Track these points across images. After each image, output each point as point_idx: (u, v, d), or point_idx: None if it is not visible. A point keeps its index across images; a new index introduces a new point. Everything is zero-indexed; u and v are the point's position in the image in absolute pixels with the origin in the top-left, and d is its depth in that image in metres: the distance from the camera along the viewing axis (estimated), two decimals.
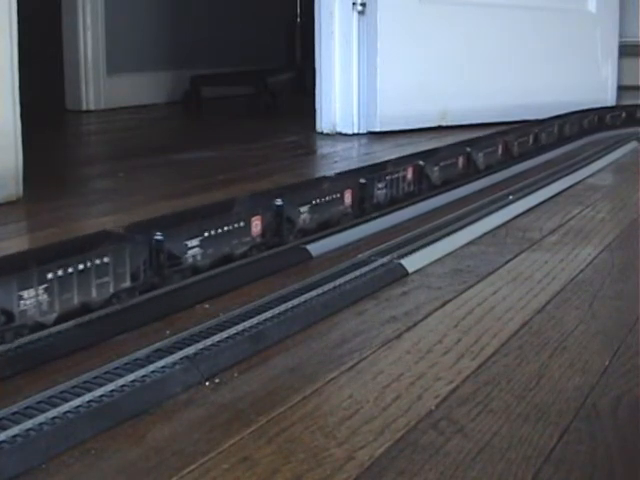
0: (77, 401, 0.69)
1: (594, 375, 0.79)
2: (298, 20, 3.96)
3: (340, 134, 2.53)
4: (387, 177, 1.43)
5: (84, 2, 3.25)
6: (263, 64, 3.70)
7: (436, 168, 1.59)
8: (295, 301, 0.95)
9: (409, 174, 1.50)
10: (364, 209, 1.37)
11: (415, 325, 0.93)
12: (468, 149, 1.74)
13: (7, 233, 1.36)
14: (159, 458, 0.63)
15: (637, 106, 2.67)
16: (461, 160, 1.70)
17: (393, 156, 1.63)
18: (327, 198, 1.27)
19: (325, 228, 1.27)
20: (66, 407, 0.68)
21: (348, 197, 1.32)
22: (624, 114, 2.62)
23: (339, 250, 1.24)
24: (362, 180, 1.36)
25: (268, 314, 0.91)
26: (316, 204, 1.24)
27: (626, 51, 3.29)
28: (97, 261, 0.87)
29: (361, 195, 1.36)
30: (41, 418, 0.66)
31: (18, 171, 1.56)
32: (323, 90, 2.55)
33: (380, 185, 1.40)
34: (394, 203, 1.45)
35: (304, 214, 1.21)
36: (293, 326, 0.90)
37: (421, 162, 1.54)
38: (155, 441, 0.66)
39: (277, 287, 1.01)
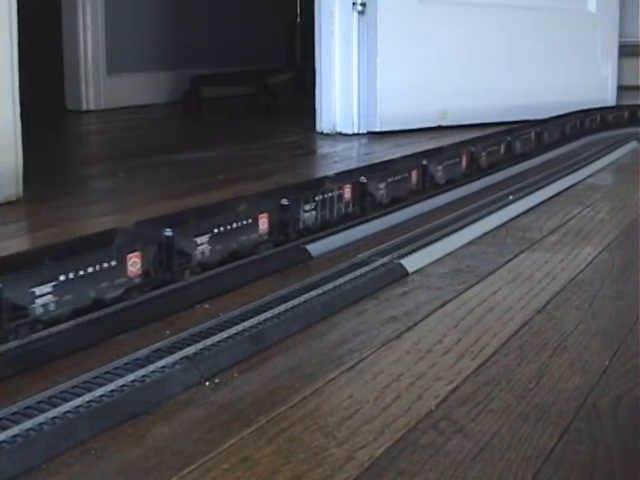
0: (77, 401, 0.69)
1: (594, 375, 0.79)
2: (298, 20, 3.96)
3: (340, 134, 2.53)
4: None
5: (84, 2, 3.25)
6: (263, 64, 3.70)
7: (440, 167, 1.62)
8: (295, 301, 0.95)
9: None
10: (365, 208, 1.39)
11: (415, 325, 0.93)
12: (472, 148, 1.74)
13: (7, 233, 1.36)
14: (159, 458, 0.63)
15: (637, 106, 2.67)
16: (464, 159, 1.70)
17: (400, 154, 1.63)
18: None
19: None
20: (66, 407, 0.68)
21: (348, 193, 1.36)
22: (624, 114, 2.62)
23: (339, 250, 1.24)
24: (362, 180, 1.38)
25: (268, 314, 0.91)
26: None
27: (626, 51, 3.29)
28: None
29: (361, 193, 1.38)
30: (41, 418, 0.66)
31: (18, 171, 1.56)
32: (323, 90, 2.55)
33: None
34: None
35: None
36: (293, 326, 0.90)
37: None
38: (155, 441, 0.66)
39: (277, 287, 1.01)
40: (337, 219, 1.30)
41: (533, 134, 2.07)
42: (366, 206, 1.37)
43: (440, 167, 1.60)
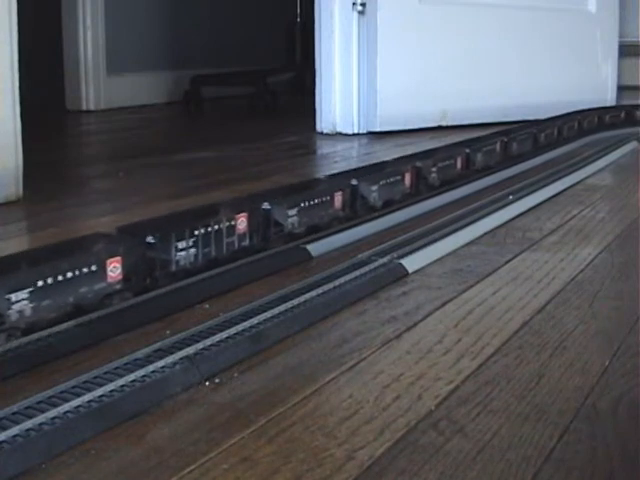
0: (77, 401, 0.69)
1: (594, 375, 0.79)
2: (298, 20, 3.96)
3: (340, 134, 2.54)
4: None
5: (84, 2, 3.25)
6: (263, 64, 3.70)
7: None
8: (295, 301, 0.95)
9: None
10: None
11: (415, 325, 0.93)
12: (467, 150, 1.74)
13: (7, 233, 1.36)
14: (159, 458, 0.63)
15: (637, 106, 2.67)
16: (459, 160, 1.71)
17: (400, 154, 1.63)
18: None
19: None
20: (66, 407, 0.68)
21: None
22: (624, 114, 2.62)
23: (339, 250, 1.24)
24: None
25: (268, 314, 0.91)
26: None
27: (626, 51, 3.29)
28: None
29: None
30: (41, 418, 0.66)
31: (18, 171, 1.56)
32: (323, 90, 2.55)
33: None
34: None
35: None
36: (293, 326, 0.90)
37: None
38: (155, 441, 0.66)
39: (277, 287, 1.01)
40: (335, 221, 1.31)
41: (533, 134, 2.07)
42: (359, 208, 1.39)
43: (435, 169, 1.60)
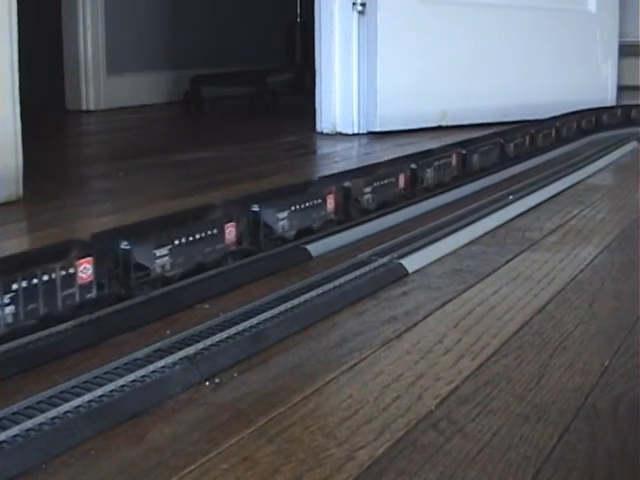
0: (77, 401, 0.69)
1: (594, 375, 0.79)
2: (298, 20, 3.96)
3: (340, 134, 2.53)
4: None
5: (84, 2, 3.25)
6: (263, 64, 3.70)
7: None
8: (295, 301, 0.95)
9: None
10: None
11: (415, 325, 0.93)
12: (464, 151, 1.74)
13: (7, 233, 1.36)
14: (159, 458, 0.64)
15: (637, 106, 2.67)
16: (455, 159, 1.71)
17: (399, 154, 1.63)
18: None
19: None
20: (66, 407, 0.68)
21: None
22: (624, 114, 2.62)
23: (339, 250, 1.24)
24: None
25: (268, 314, 0.91)
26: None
27: (626, 51, 3.29)
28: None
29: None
30: (41, 418, 0.66)
31: (18, 171, 1.56)
32: (323, 90, 2.55)
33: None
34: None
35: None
36: (293, 326, 0.90)
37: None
38: (155, 441, 0.66)
39: (277, 287, 1.01)
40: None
41: (533, 134, 2.07)
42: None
43: (431, 169, 1.60)
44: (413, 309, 0.98)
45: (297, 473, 0.61)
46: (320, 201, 1.26)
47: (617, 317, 0.97)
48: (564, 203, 1.59)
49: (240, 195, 1.22)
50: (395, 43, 2.49)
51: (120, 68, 3.40)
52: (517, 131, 2.01)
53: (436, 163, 1.60)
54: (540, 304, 1.00)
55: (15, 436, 0.63)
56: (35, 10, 3.14)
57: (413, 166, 1.52)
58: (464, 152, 1.72)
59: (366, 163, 1.66)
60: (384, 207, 1.42)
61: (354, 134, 2.53)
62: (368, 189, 1.37)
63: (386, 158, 1.65)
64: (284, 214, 1.17)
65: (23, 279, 0.80)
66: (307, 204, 1.23)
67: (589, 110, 2.51)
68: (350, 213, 1.33)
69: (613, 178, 1.95)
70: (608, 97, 3.03)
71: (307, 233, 1.24)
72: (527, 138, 2.03)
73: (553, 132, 2.20)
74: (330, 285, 1.01)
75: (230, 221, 1.08)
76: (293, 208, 1.20)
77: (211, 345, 0.82)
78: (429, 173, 1.56)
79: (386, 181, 1.42)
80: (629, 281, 1.10)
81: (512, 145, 1.94)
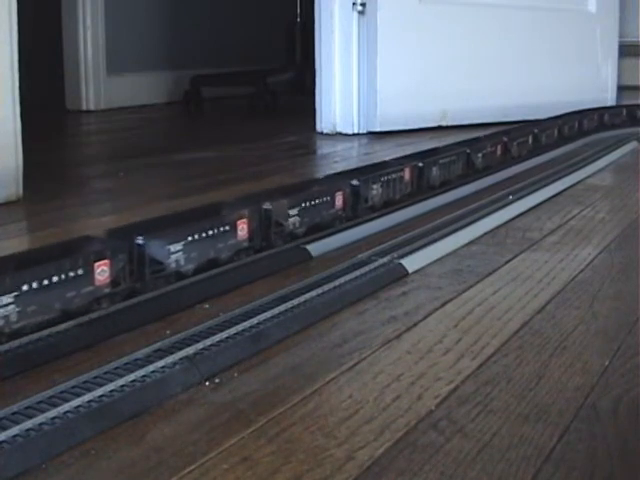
0: (77, 401, 0.69)
1: (594, 375, 0.79)
2: (298, 20, 3.96)
3: (340, 134, 2.54)
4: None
5: (84, 2, 3.25)
6: (263, 64, 3.70)
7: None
8: (295, 301, 0.95)
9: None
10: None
11: (415, 325, 0.93)
12: (468, 150, 1.74)
13: (7, 233, 1.36)
14: (159, 458, 0.63)
15: (637, 106, 2.67)
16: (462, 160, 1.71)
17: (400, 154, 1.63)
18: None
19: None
20: (66, 407, 0.68)
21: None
22: (624, 114, 2.62)
23: (339, 250, 1.24)
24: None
25: (268, 314, 0.91)
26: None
27: (626, 51, 3.29)
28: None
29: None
30: (41, 418, 0.66)
31: (18, 171, 1.56)
32: (323, 90, 2.55)
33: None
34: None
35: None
36: (293, 326, 0.90)
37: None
38: (155, 441, 0.66)
39: (277, 287, 1.01)
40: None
41: (533, 134, 2.07)
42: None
43: (436, 167, 1.60)
44: (413, 309, 0.98)
45: (297, 473, 0.61)
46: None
47: (617, 317, 0.97)
48: (564, 203, 1.60)
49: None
50: (395, 43, 2.50)
51: (120, 68, 3.40)
52: (516, 131, 2.01)
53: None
54: (540, 304, 1.00)
55: (15, 436, 0.63)
56: (35, 10, 3.14)
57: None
58: (468, 151, 1.73)
59: (366, 163, 1.66)
60: (391, 204, 1.45)
61: (354, 134, 2.53)
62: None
63: (393, 157, 1.64)
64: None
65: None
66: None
67: (589, 110, 2.52)
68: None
69: (613, 178, 1.95)
70: (608, 97, 3.03)
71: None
72: (527, 138, 2.03)
73: (553, 132, 2.20)
74: (330, 285, 1.01)
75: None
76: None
77: (211, 345, 0.82)
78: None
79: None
80: (629, 281, 1.10)
81: (512, 145, 1.94)
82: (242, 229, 1.09)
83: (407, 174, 1.49)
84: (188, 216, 1.06)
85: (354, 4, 2.49)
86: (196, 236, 1.02)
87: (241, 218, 1.09)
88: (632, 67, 3.36)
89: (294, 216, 1.19)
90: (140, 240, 0.95)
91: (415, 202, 1.50)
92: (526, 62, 2.77)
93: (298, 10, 3.97)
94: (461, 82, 2.64)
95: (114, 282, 0.91)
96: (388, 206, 1.43)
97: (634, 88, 3.22)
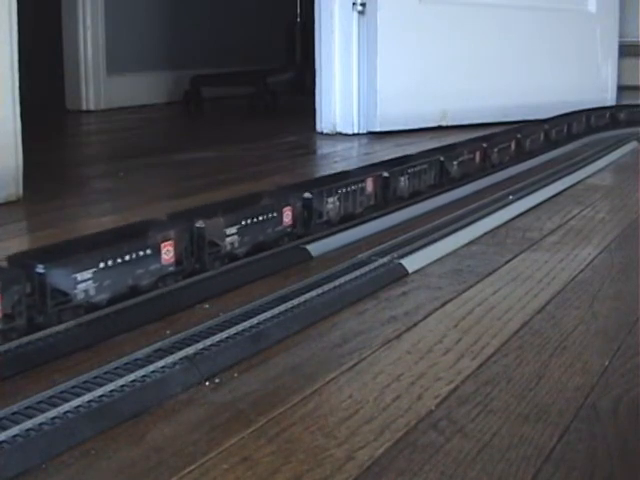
0: (77, 401, 0.69)
1: (594, 375, 0.79)
2: (298, 20, 3.96)
3: (340, 134, 2.54)
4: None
5: (84, 2, 3.25)
6: (263, 64, 3.70)
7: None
8: (295, 301, 0.95)
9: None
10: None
11: (415, 325, 0.93)
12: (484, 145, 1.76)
13: (7, 233, 1.36)
14: (159, 458, 0.63)
15: (637, 106, 2.67)
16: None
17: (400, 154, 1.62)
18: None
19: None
20: (66, 407, 0.68)
21: None
22: (624, 114, 2.62)
23: (339, 250, 1.24)
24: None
25: (268, 314, 0.91)
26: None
27: (626, 51, 3.29)
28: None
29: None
30: (41, 418, 0.66)
31: (18, 171, 1.56)
32: (323, 90, 2.55)
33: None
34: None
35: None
36: (293, 326, 0.90)
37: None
38: (155, 441, 0.66)
39: (277, 287, 1.01)
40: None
41: (533, 134, 2.07)
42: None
43: (455, 162, 1.62)
44: (413, 309, 0.98)
45: (297, 473, 0.61)
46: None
47: (617, 317, 0.97)
48: (564, 203, 1.60)
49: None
50: (395, 43, 2.49)
51: (120, 68, 3.40)
52: (517, 131, 2.01)
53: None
54: (540, 304, 1.00)
55: (15, 436, 0.63)
56: (35, 10, 3.14)
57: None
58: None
59: (368, 162, 1.66)
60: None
61: (354, 134, 2.53)
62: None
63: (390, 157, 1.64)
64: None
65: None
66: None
67: (589, 110, 2.52)
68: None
69: (613, 178, 1.95)
70: (608, 97, 3.03)
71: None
72: (527, 138, 2.03)
73: (553, 132, 2.20)
74: (330, 285, 1.01)
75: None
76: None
77: (211, 345, 0.82)
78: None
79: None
80: (629, 281, 1.10)
81: (511, 145, 1.94)
82: (167, 252, 0.98)
83: (369, 185, 1.37)
84: (103, 239, 0.95)
85: (354, 4, 2.49)
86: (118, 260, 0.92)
87: (167, 240, 0.98)
88: (632, 67, 3.35)
89: (232, 235, 1.08)
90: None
91: (414, 203, 1.50)
92: (526, 62, 2.77)
93: (298, 10, 3.97)
94: (461, 82, 2.64)
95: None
96: (347, 220, 1.32)
97: (634, 88, 3.21)
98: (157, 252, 0.96)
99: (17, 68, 1.53)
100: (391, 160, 1.53)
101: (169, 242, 0.98)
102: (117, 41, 3.38)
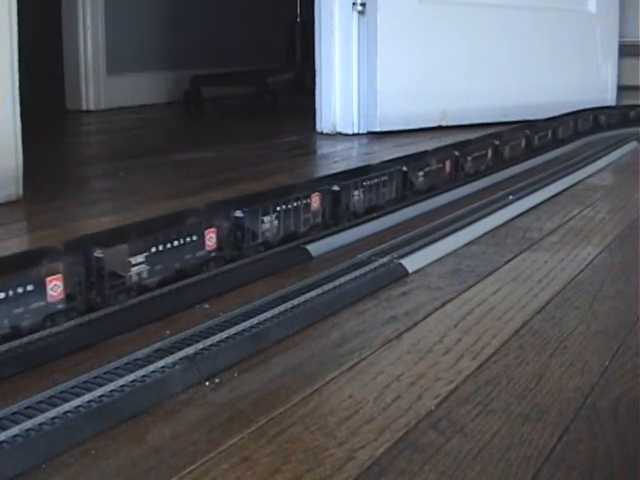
0: (77, 401, 0.69)
1: (594, 375, 0.79)
2: (298, 20, 3.96)
3: (340, 134, 2.53)
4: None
5: (84, 2, 3.25)
6: (263, 64, 3.70)
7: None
8: (295, 301, 0.95)
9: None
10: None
11: (415, 325, 0.93)
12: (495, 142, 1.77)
13: (7, 233, 1.36)
14: (159, 458, 0.63)
15: (637, 106, 2.67)
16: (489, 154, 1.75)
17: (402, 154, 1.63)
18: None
19: None
20: (66, 407, 0.68)
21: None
22: (624, 114, 2.62)
23: (339, 250, 1.24)
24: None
25: (268, 314, 0.91)
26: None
27: (626, 51, 3.28)
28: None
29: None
30: (41, 418, 0.66)
31: (18, 171, 1.56)
32: (323, 90, 2.55)
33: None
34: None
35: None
36: (293, 326, 0.90)
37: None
38: (155, 441, 0.66)
39: (277, 287, 1.01)
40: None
41: (533, 134, 2.07)
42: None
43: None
44: (413, 309, 0.98)
45: (297, 473, 0.61)
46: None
47: (617, 317, 0.97)
48: (564, 203, 1.60)
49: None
50: (395, 43, 2.49)
51: (120, 68, 3.40)
52: (517, 131, 2.01)
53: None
54: (540, 304, 1.00)
55: (15, 436, 0.63)
56: (35, 10, 3.14)
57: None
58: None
59: (365, 163, 1.66)
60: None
61: (354, 134, 2.53)
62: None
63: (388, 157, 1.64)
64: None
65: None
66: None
67: (589, 110, 2.52)
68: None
69: (613, 178, 1.95)
70: (608, 97, 3.03)
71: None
72: (527, 138, 2.03)
73: (553, 132, 2.20)
74: (330, 285, 1.01)
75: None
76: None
77: (211, 345, 0.82)
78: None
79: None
80: (629, 281, 1.10)
81: (512, 145, 1.94)
82: (53, 288, 0.85)
83: (314, 202, 1.24)
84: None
85: (354, 4, 2.49)
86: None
87: (54, 274, 0.85)
88: (632, 67, 3.35)
89: (139, 264, 0.95)
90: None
91: (414, 202, 1.50)
92: (526, 62, 2.77)
93: (298, 10, 3.96)
94: (461, 82, 2.63)
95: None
96: (288, 241, 1.19)
97: (634, 88, 3.21)
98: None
99: (17, 68, 1.53)
100: (344, 172, 1.40)
101: (56, 277, 0.85)
102: (117, 41, 3.38)
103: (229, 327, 0.86)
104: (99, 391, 0.71)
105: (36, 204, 1.57)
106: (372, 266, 1.10)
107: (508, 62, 2.73)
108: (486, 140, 1.84)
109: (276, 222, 1.16)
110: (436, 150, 1.64)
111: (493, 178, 1.79)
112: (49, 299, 0.85)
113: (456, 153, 1.66)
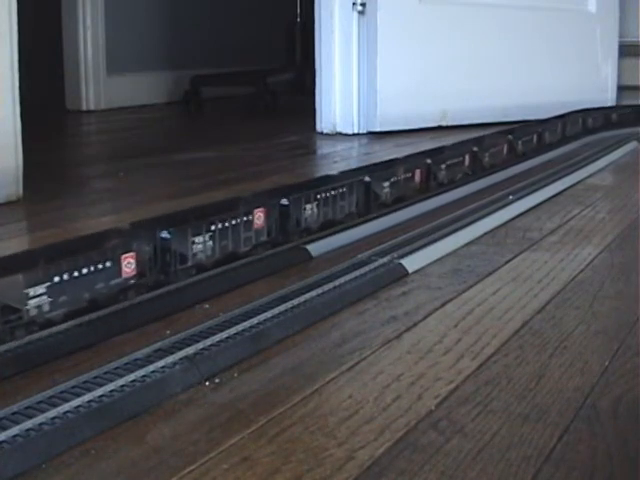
0: (77, 401, 0.69)
1: (594, 375, 0.79)
2: (298, 20, 3.95)
3: (340, 134, 2.53)
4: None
5: (84, 2, 3.25)
6: (263, 64, 3.70)
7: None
8: (295, 301, 0.95)
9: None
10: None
11: (415, 325, 0.93)
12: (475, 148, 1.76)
13: (7, 233, 1.36)
14: (159, 458, 0.63)
15: (637, 106, 2.67)
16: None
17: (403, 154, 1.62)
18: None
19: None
20: (66, 407, 0.68)
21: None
22: (624, 114, 2.62)
23: (339, 250, 1.24)
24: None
25: (268, 314, 0.91)
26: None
27: (626, 51, 3.28)
28: None
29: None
30: (41, 418, 0.66)
31: (18, 171, 1.56)
32: (323, 90, 2.55)
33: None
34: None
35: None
36: (293, 326, 0.90)
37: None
38: (155, 441, 0.66)
39: (277, 287, 1.01)
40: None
41: (533, 134, 2.07)
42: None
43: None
44: (413, 309, 0.98)
45: (297, 473, 0.61)
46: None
47: (617, 317, 0.97)
48: (564, 203, 1.60)
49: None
50: (395, 43, 2.49)
51: (120, 68, 3.40)
52: (516, 131, 2.01)
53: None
54: (540, 304, 1.00)
55: (15, 436, 0.63)
56: (35, 10, 3.14)
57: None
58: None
59: (365, 163, 1.66)
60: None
61: (354, 134, 2.53)
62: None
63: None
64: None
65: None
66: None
67: (589, 110, 2.52)
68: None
69: (613, 178, 1.95)
70: (608, 97, 3.03)
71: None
72: (527, 138, 2.03)
73: (553, 132, 2.20)
74: (330, 285, 1.01)
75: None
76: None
77: (211, 345, 0.82)
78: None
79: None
80: (629, 281, 1.10)
81: (513, 145, 1.94)
82: None
83: (258, 217, 1.13)
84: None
85: (354, 4, 2.49)
86: None
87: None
88: (632, 67, 3.35)
89: (40, 296, 0.83)
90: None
91: (414, 202, 1.50)
92: (526, 62, 2.77)
93: (298, 10, 3.96)
94: (461, 82, 2.63)
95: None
96: (226, 263, 1.08)
97: (634, 88, 3.21)
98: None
99: (17, 68, 1.53)
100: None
101: None
102: (117, 41, 3.38)
103: (229, 327, 0.86)
104: (99, 391, 0.71)
105: (36, 204, 1.57)
106: (372, 266, 1.10)
107: (508, 62, 2.73)
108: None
109: (210, 242, 1.03)
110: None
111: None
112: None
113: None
